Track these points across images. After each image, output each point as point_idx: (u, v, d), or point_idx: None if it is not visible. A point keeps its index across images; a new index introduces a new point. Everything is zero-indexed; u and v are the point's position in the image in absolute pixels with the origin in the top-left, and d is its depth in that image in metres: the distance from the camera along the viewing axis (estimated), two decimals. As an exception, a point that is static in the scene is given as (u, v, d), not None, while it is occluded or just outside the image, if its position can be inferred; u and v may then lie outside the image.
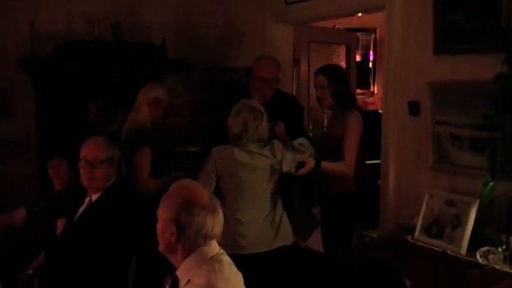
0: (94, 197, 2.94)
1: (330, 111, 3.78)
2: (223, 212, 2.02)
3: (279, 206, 3.27)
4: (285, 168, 3.18)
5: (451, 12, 3.15)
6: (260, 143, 3.18)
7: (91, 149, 2.93)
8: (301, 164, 3.20)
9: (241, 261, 2.10)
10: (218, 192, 3.14)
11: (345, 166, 3.40)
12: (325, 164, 3.32)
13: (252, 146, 3.15)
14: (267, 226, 3.17)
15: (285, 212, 3.29)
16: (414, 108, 3.46)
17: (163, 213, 1.97)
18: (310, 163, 3.22)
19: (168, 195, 2.00)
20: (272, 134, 3.31)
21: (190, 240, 1.93)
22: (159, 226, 1.98)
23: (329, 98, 3.50)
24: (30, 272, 3.18)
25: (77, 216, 2.96)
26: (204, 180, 3.06)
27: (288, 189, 3.52)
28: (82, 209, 2.97)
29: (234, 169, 3.13)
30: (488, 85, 2.78)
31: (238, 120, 3.16)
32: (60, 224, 3.14)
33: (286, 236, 3.25)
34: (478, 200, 2.88)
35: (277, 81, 3.76)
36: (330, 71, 3.59)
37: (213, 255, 1.95)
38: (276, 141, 3.24)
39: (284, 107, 3.73)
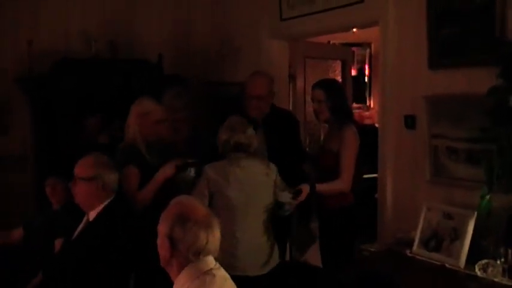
0: (92, 215, 2.93)
1: (326, 125, 3.79)
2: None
3: (271, 230, 3.25)
4: (282, 199, 3.18)
5: (446, 26, 3.18)
6: (254, 158, 3.19)
7: (77, 165, 2.91)
8: (298, 192, 3.21)
9: (238, 282, 2.09)
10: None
11: (341, 185, 3.42)
12: (320, 187, 3.34)
13: (244, 162, 3.15)
14: (261, 249, 3.15)
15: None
16: (410, 121, 3.47)
17: (161, 228, 1.99)
18: (306, 188, 3.23)
19: (166, 211, 2.03)
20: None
21: (182, 255, 1.94)
22: (158, 241, 2.00)
23: (326, 112, 3.52)
24: (29, 291, 3.18)
25: (75, 235, 2.95)
26: (196, 198, 3.04)
27: None
28: (80, 227, 2.97)
29: (225, 186, 3.10)
30: (484, 98, 2.80)
31: (225, 129, 3.20)
32: (59, 243, 3.13)
33: (276, 261, 3.23)
34: (476, 213, 2.88)
35: (273, 95, 3.78)
36: (327, 85, 3.61)
37: (208, 270, 1.95)
38: (271, 163, 3.26)
39: (280, 121, 3.74)
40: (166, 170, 3.21)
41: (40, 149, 4.53)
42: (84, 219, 2.95)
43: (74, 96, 4.44)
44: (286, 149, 3.52)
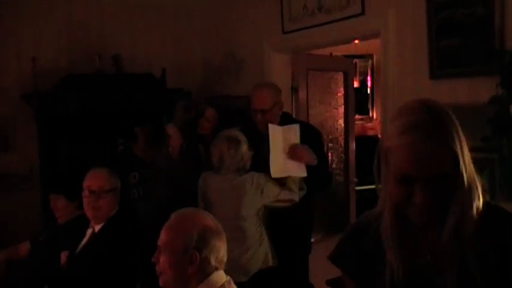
0: (97, 227, 2.95)
1: None
2: None
3: (265, 243, 3.23)
4: (266, 201, 3.21)
5: (446, 36, 3.20)
6: (241, 172, 3.23)
7: (96, 179, 2.96)
8: None
9: None
10: None
11: None
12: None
13: (230, 175, 3.21)
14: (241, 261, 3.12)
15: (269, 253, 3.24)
16: (413, 132, 3.47)
17: (174, 244, 1.91)
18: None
19: (176, 225, 1.96)
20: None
21: (209, 267, 1.90)
22: (167, 259, 1.91)
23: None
24: (35, 305, 3.18)
25: (79, 248, 2.97)
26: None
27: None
28: (85, 240, 2.99)
29: (212, 196, 3.22)
30: (485, 107, 2.82)
31: (215, 151, 3.27)
32: (64, 256, 3.14)
33: (257, 267, 3.19)
34: (480, 222, 2.88)
35: (280, 106, 3.61)
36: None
37: (223, 283, 1.93)
38: (256, 173, 3.25)
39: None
40: None
41: (45, 167, 4.56)
42: (88, 232, 2.97)
43: (79, 112, 4.49)
44: None
